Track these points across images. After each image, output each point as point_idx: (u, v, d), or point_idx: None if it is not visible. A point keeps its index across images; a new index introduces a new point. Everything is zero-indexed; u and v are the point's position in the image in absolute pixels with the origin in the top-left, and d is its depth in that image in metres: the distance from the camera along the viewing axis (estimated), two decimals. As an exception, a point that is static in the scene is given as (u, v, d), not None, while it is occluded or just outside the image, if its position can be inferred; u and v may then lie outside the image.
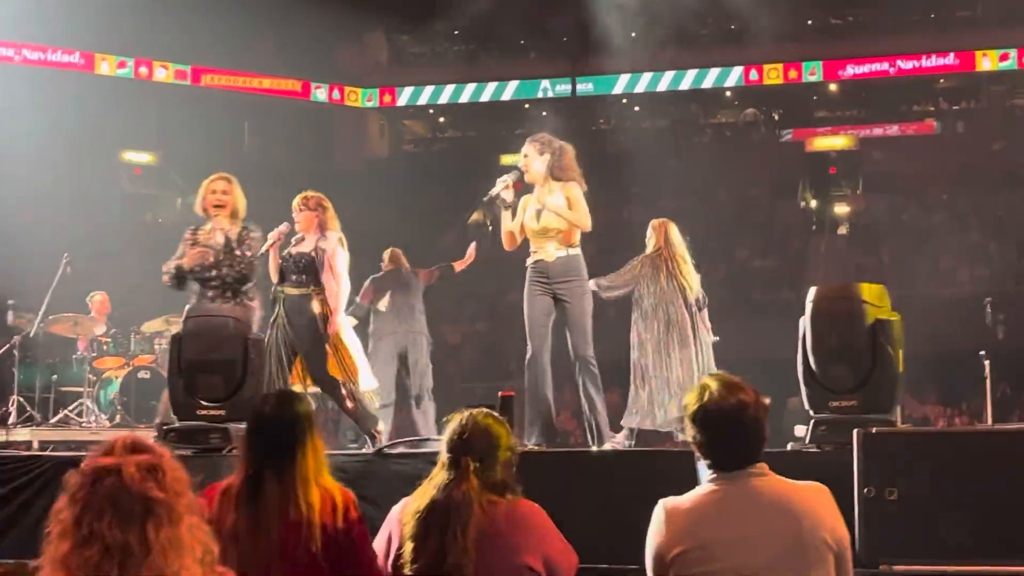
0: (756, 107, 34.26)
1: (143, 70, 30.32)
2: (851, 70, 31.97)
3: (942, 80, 33.32)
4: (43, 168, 24.16)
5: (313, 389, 7.88)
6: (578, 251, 7.49)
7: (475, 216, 11.78)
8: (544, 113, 32.45)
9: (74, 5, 24.83)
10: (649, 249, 9.27)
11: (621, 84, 32.52)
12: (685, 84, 32.38)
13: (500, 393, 6.02)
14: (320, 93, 32.77)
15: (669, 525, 3.48)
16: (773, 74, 31.97)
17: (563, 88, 32.56)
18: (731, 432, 3.50)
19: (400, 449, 7.02)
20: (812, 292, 6.14)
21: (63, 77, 28.51)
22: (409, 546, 3.81)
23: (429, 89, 33.96)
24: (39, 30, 27.14)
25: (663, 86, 32.28)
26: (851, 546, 3.55)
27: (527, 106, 33.59)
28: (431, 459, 4.06)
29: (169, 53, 30.19)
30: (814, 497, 3.51)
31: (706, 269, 27.87)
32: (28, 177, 23.58)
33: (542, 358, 7.42)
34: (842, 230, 30.06)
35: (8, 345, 11.88)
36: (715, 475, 3.55)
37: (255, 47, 30.33)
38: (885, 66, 31.69)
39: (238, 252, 7.67)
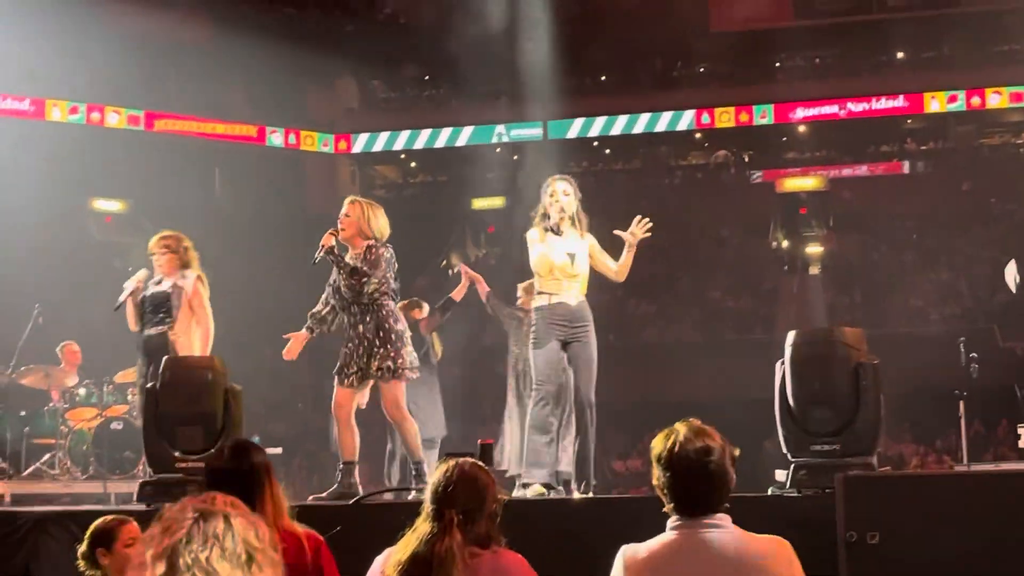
0: (727, 148, 34.52)
1: (95, 115, 29.87)
2: (801, 113, 32.27)
3: (909, 121, 33.67)
4: (12, 217, 24.04)
5: None
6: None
7: (453, 265, 11.60)
8: (516, 157, 32.58)
9: (22, 52, 24.80)
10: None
11: (592, 127, 32.69)
12: (638, 128, 32.57)
13: (480, 441, 5.98)
14: (276, 138, 32.51)
15: (627, 571, 3.49)
16: (725, 117, 32.22)
17: (534, 132, 32.68)
18: (696, 477, 3.50)
19: (382, 498, 6.97)
20: (791, 336, 6.13)
21: (26, 126, 28.35)
22: (391, 599, 3.78)
23: (397, 134, 34.06)
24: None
25: (616, 130, 32.47)
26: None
27: (498, 150, 33.70)
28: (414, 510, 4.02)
29: (121, 99, 29.85)
30: (773, 551, 3.50)
31: (679, 310, 27.97)
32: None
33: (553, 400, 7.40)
34: (814, 270, 30.24)
35: (-21, 396, 11.77)
36: (677, 522, 3.56)
37: (213, 92, 30.27)
38: (835, 108, 32.02)
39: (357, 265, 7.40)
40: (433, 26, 28.58)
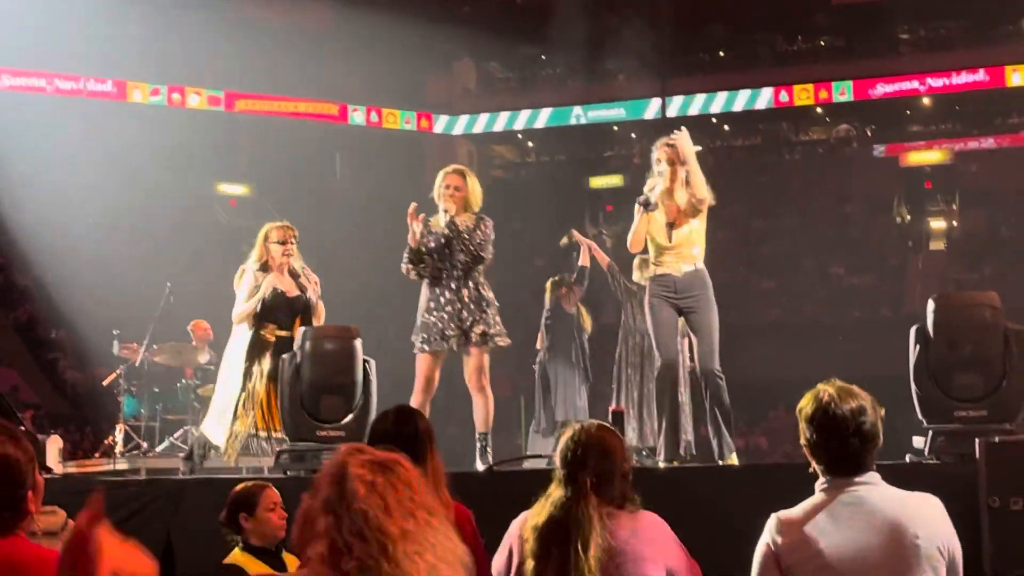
0: (848, 123, 33.94)
1: (176, 96, 30.04)
2: (881, 89, 31.52)
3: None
4: (141, 201, 24.65)
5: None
6: (703, 267, 7.36)
7: (565, 239, 11.52)
8: (633, 135, 32.42)
9: (104, 34, 25.17)
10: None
11: (713, 104, 32.36)
12: (760, 104, 32.11)
13: (611, 408, 5.99)
14: (358, 116, 32.56)
15: (783, 536, 3.46)
16: (804, 95, 31.64)
17: (652, 110, 32.47)
18: (846, 436, 3.48)
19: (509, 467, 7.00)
20: (934, 301, 5.98)
21: (151, 111, 28.91)
22: (530, 563, 3.79)
23: (516, 114, 34.07)
24: (72, 60, 27.43)
25: (738, 106, 32.07)
26: (971, 558, 3.52)
27: (616, 128, 33.54)
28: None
29: (201, 79, 29.95)
30: (926, 507, 3.48)
31: (803, 287, 27.65)
32: (128, 211, 24.13)
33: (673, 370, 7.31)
34: (940, 245, 29.61)
35: (115, 375, 12.07)
36: (826, 483, 3.53)
37: (332, 76, 30.49)
38: (915, 84, 31.28)
39: (467, 237, 7.54)
40: (549, 4, 28.56)
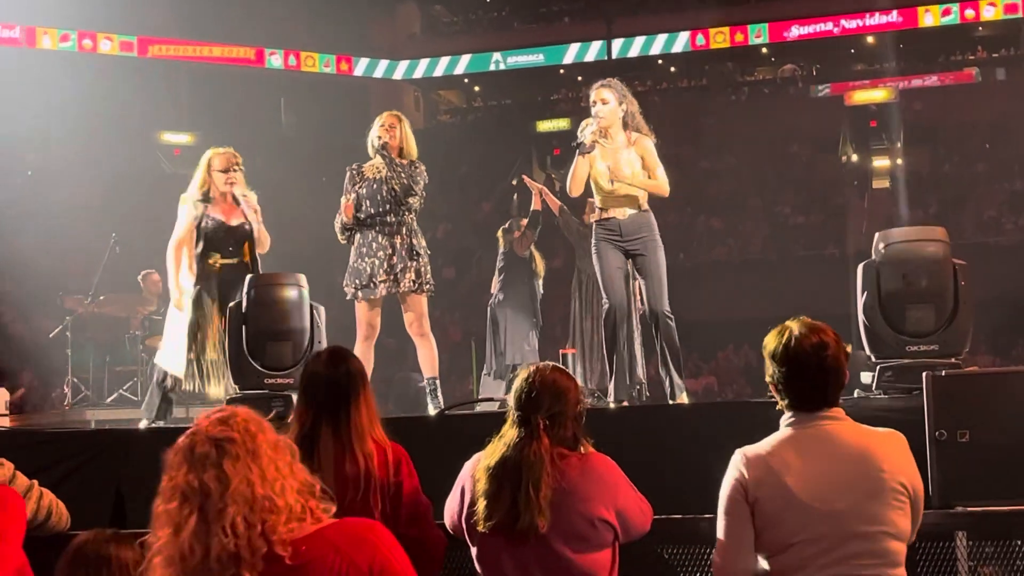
0: (793, 62, 34.01)
1: (87, 43, 29.37)
2: (795, 31, 31.72)
3: (980, 28, 32.96)
4: (82, 151, 24.32)
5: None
6: (648, 208, 7.30)
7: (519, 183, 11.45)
8: (579, 77, 32.34)
9: None
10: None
11: (653, 45, 32.31)
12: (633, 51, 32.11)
13: (561, 350, 6.00)
14: (275, 59, 32.07)
15: (750, 471, 3.50)
16: (720, 38, 31.72)
17: (596, 51, 32.38)
18: (813, 372, 3.52)
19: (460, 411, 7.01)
20: (883, 236, 5.97)
21: (87, 60, 28.29)
22: (482, 503, 3.81)
23: (458, 58, 33.86)
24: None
25: (678, 47, 32.06)
26: (924, 491, 3.58)
27: (561, 71, 33.44)
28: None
29: (113, 25, 29.17)
30: (891, 443, 3.54)
31: (749, 227, 27.79)
32: (68, 161, 23.81)
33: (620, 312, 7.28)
34: (884, 184, 29.82)
35: (61, 327, 11.97)
36: (792, 418, 3.57)
37: (276, 20, 30.05)
38: (829, 26, 31.48)
39: (401, 170, 7.59)
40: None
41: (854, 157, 31.20)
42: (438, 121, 36.28)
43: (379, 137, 7.70)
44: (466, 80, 35.93)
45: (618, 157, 7.16)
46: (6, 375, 19.12)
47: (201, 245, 7.58)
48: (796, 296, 20.65)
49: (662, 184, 7.16)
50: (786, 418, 3.61)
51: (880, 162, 30.74)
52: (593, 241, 7.29)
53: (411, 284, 7.53)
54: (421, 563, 4.08)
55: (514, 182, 11.87)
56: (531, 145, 32.49)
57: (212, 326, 7.48)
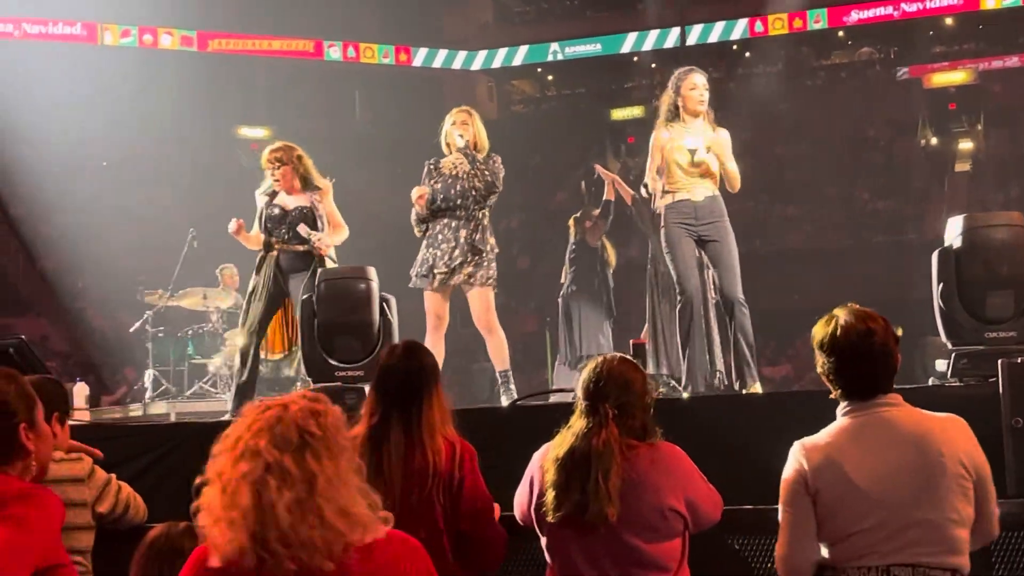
0: (870, 46, 33.54)
1: (147, 38, 29.41)
2: (855, 15, 31.14)
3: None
4: (157, 147, 24.61)
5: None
6: (719, 195, 7.27)
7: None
8: (654, 65, 32.13)
9: None
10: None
11: (733, 31, 31.98)
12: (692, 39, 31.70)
13: (632, 341, 5.98)
14: (334, 51, 32.06)
15: (809, 461, 3.49)
16: (778, 24, 31.26)
17: (671, 39, 32.13)
18: (862, 359, 3.50)
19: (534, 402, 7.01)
20: (960, 221, 5.87)
21: (163, 57, 28.56)
22: (551, 493, 3.82)
23: (534, 48, 33.78)
24: (39, 3, 26.81)
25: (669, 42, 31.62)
26: (991, 474, 3.53)
27: (635, 59, 33.25)
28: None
29: (174, 20, 29.15)
30: (951, 426, 3.50)
31: (826, 212, 27.43)
32: (143, 158, 24.12)
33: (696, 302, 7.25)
34: (964, 167, 29.35)
35: (141, 321, 12.12)
36: (848, 407, 3.56)
37: (350, 15, 30.15)
38: (889, 10, 30.89)
39: (483, 164, 7.67)
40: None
41: (933, 141, 30.74)
42: (512, 111, 36.24)
43: (460, 136, 7.73)
44: (539, 69, 35.85)
45: (703, 137, 7.13)
46: (90, 369, 19.51)
47: (264, 233, 7.79)
48: (874, 282, 20.45)
49: (734, 176, 7.15)
50: (842, 407, 3.59)
51: (960, 145, 30.28)
52: (664, 227, 7.22)
53: (465, 278, 7.58)
54: (478, 560, 4.14)
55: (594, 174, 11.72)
56: (605, 134, 32.38)
57: (261, 300, 7.64)
